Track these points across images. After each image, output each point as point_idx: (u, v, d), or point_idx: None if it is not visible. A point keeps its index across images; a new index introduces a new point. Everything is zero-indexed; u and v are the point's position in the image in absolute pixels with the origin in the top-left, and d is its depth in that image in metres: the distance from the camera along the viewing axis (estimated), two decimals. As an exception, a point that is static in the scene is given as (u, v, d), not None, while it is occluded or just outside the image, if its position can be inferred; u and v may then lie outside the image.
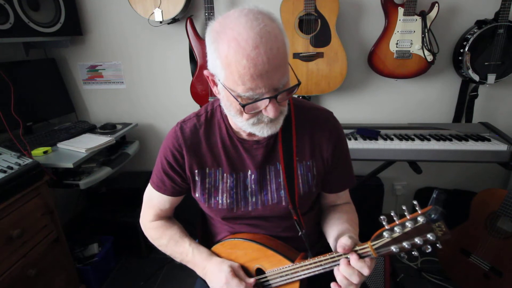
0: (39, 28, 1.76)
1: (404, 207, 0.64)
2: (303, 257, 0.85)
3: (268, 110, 0.71)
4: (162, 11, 1.80)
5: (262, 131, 0.76)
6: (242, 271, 0.86)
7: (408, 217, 0.63)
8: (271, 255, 0.86)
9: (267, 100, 0.69)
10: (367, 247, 0.69)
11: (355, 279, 0.70)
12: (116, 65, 2.18)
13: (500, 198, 1.51)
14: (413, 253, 0.64)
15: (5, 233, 1.30)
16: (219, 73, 0.70)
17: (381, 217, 0.65)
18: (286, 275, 0.83)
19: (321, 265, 0.77)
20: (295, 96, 0.96)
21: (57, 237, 1.59)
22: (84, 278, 1.82)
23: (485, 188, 1.61)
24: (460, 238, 1.66)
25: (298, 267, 0.80)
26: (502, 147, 1.54)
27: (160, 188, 0.94)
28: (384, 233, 0.66)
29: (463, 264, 1.64)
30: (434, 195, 0.61)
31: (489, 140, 1.61)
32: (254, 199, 0.89)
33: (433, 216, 0.59)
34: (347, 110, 2.10)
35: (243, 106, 0.70)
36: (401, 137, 1.68)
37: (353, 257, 0.70)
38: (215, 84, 0.75)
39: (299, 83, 0.72)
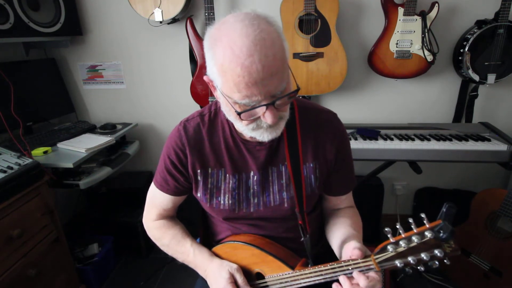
0: (39, 28, 1.75)
1: (410, 220, 0.61)
2: (303, 264, 0.84)
3: (266, 116, 0.70)
4: (162, 11, 1.80)
5: (263, 136, 0.76)
6: (241, 274, 0.85)
7: (415, 230, 0.60)
8: (271, 260, 0.85)
9: (264, 107, 0.69)
10: (370, 260, 0.67)
11: None
12: (116, 65, 2.18)
13: (500, 198, 1.51)
14: (418, 268, 0.62)
15: (5, 233, 1.30)
16: (216, 80, 0.70)
17: (386, 229, 0.63)
18: (286, 281, 0.82)
19: (321, 274, 0.75)
20: (299, 96, 0.96)
21: (57, 237, 1.59)
22: (84, 278, 1.82)
23: (485, 188, 1.61)
24: (460, 238, 1.66)
25: (298, 275, 0.80)
26: (502, 147, 1.53)
27: (163, 188, 0.94)
28: (389, 247, 0.63)
29: (463, 264, 1.64)
30: (443, 209, 0.57)
31: (489, 140, 1.61)
32: (256, 200, 0.89)
33: (442, 235, 0.57)
34: (347, 110, 2.10)
35: (239, 113, 0.70)
36: (401, 137, 1.68)
37: (361, 278, 0.67)
38: (215, 89, 0.75)
39: (298, 89, 0.72)
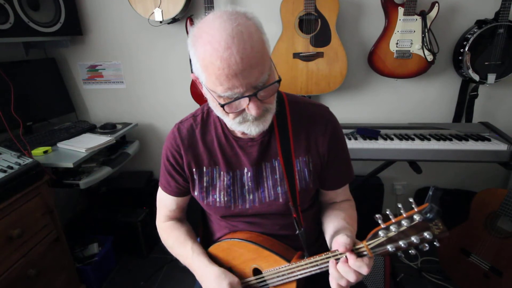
0: (39, 28, 1.76)
1: (400, 205, 0.63)
2: (299, 256, 0.85)
3: (250, 108, 0.72)
4: (162, 11, 1.80)
5: (250, 129, 0.77)
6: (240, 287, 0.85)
7: (404, 215, 0.62)
8: (268, 255, 0.86)
9: (247, 99, 0.70)
10: (363, 246, 0.68)
11: (352, 278, 0.69)
12: (116, 65, 2.18)
13: (500, 198, 1.51)
14: (410, 252, 0.63)
15: (5, 233, 1.30)
16: (200, 76, 0.72)
17: (377, 215, 0.64)
18: (283, 275, 0.82)
19: (317, 265, 0.76)
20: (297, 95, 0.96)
21: (57, 236, 1.59)
22: (84, 278, 1.82)
23: (485, 188, 1.61)
24: (460, 238, 1.66)
25: (294, 267, 0.80)
26: (502, 147, 1.54)
27: (166, 189, 0.96)
28: (380, 232, 0.65)
29: (463, 263, 1.64)
30: (430, 192, 0.60)
31: (489, 140, 1.61)
32: (251, 197, 0.89)
33: (428, 215, 0.59)
34: (347, 110, 2.10)
35: (223, 105, 0.72)
36: (401, 137, 1.68)
37: (351, 257, 0.69)
38: (201, 86, 0.77)
39: (279, 80, 0.73)
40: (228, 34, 0.65)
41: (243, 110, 0.74)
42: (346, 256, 0.70)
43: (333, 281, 0.73)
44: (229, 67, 0.65)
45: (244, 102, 0.71)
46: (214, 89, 0.71)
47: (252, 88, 0.70)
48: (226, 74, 0.66)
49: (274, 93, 0.76)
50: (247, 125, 0.77)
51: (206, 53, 0.67)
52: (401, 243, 0.63)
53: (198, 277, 0.92)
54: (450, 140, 1.63)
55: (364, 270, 0.68)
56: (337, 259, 0.73)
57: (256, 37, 0.68)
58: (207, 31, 0.68)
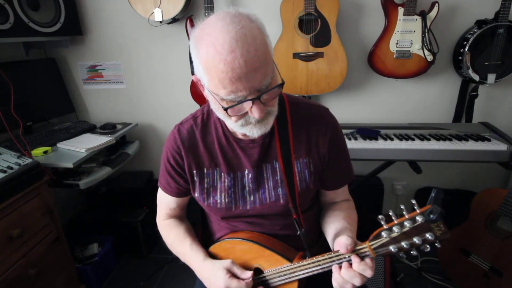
0: (39, 28, 1.76)
1: (402, 207, 0.64)
2: (301, 256, 0.85)
3: (253, 111, 0.72)
4: (162, 11, 1.80)
5: (252, 132, 0.77)
6: (236, 266, 0.84)
7: (406, 216, 0.63)
8: (269, 254, 0.86)
9: (250, 102, 0.70)
10: (366, 247, 0.69)
11: (357, 282, 0.69)
12: (116, 65, 2.18)
13: (500, 198, 1.51)
14: (412, 252, 0.64)
15: (5, 233, 1.30)
16: (202, 78, 0.72)
17: (379, 216, 0.65)
18: (285, 274, 0.83)
19: (319, 265, 0.77)
20: (296, 95, 0.97)
21: (57, 237, 1.59)
22: (84, 278, 1.82)
23: (485, 188, 1.61)
24: (460, 238, 1.66)
25: (296, 267, 0.80)
26: (502, 147, 1.53)
27: (166, 190, 0.97)
28: (383, 233, 0.65)
29: (463, 264, 1.64)
30: (432, 194, 0.61)
31: (489, 140, 1.61)
32: (252, 198, 0.90)
33: (432, 216, 0.59)
34: (347, 110, 2.10)
35: (226, 109, 0.71)
36: (401, 137, 1.68)
37: (355, 260, 0.69)
38: (203, 88, 0.77)
39: (282, 83, 0.73)
40: (232, 37, 0.64)
41: (246, 113, 0.73)
42: (349, 261, 0.70)
43: (337, 286, 0.73)
44: (233, 70, 0.65)
45: (247, 105, 0.71)
46: (217, 92, 0.70)
47: (255, 91, 0.69)
48: (229, 78, 0.66)
49: (277, 96, 0.76)
50: (250, 127, 0.76)
51: (209, 56, 0.66)
52: (403, 243, 0.63)
53: (197, 273, 0.92)
54: (450, 140, 1.63)
55: (369, 273, 0.68)
56: (340, 264, 0.72)
57: (260, 39, 0.68)
58: (210, 33, 0.67)
